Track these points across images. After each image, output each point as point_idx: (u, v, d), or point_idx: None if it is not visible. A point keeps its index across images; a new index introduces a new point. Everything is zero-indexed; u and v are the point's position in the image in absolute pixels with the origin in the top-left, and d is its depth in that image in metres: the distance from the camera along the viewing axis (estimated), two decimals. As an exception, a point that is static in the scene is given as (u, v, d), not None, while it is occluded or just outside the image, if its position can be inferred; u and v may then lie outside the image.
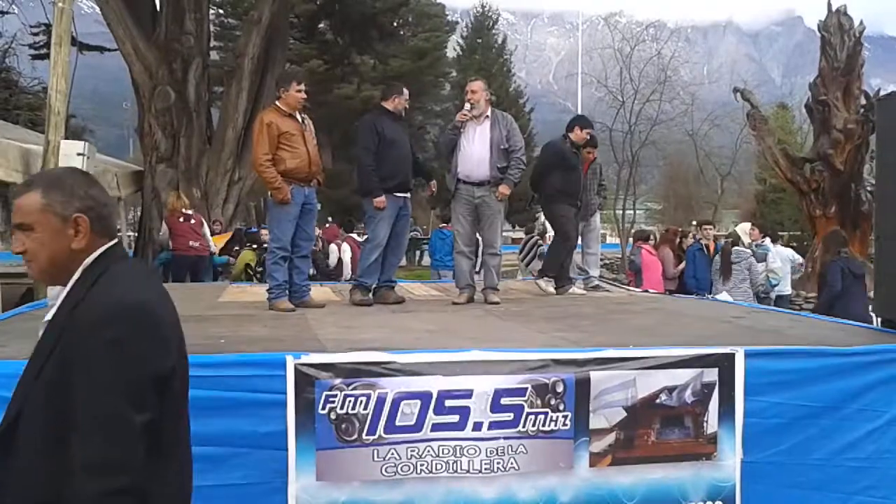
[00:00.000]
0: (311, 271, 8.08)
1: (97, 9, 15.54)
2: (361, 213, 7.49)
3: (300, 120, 6.62)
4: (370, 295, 7.01)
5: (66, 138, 8.63)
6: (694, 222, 12.15)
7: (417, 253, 27.54)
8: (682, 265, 10.94)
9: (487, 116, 7.19)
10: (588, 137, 8.29)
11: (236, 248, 12.61)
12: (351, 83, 33.09)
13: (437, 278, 12.97)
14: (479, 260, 8.34)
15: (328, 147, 32.25)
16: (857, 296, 7.99)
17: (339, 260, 12.81)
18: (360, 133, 7.05)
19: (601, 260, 10.79)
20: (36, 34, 24.39)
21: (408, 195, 7.10)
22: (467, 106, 7.11)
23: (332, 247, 13.08)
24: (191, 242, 11.34)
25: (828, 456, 4.30)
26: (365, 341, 4.54)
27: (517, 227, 50.95)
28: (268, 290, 6.59)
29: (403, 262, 24.30)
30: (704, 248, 10.80)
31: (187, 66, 15.11)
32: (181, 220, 11.58)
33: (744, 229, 11.23)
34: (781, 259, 11.28)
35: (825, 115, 16.56)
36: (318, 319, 5.75)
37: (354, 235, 13.25)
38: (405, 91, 7.13)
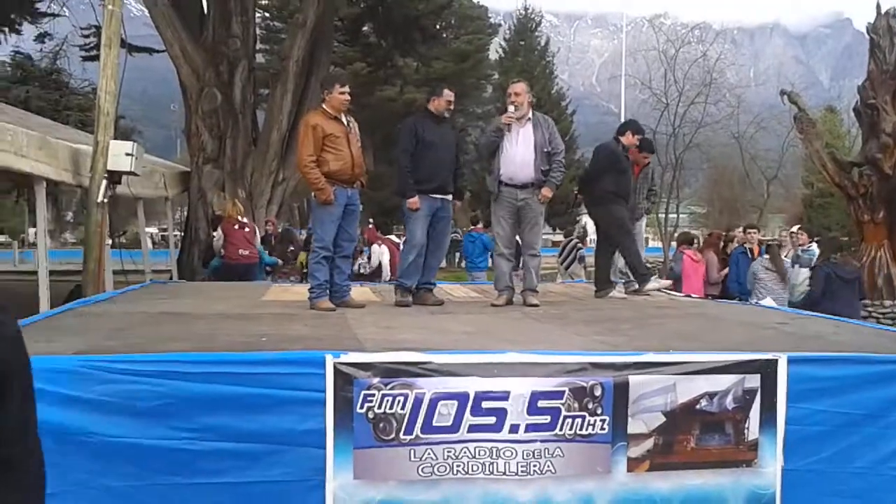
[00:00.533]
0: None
1: (146, 11, 15.83)
2: (401, 215, 7.53)
3: (345, 123, 6.67)
4: (410, 296, 7.03)
5: (115, 139, 8.83)
6: (739, 228, 11.92)
7: (457, 255, 27.57)
8: (726, 270, 10.80)
9: (529, 119, 7.17)
10: (638, 143, 8.25)
11: (291, 248, 12.74)
12: (394, 85, 33.26)
13: (471, 280, 12.99)
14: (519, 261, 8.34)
15: (370, 149, 32.49)
16: (844, 300, 8.34)
17: (379, 262, 12.90)
18: (400, 134, 7.09)
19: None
20: (86, 36, 24.89)
21: (447, 197, 7.11)
22: (511, 108, 7.09)
23: (375, 247, 13.18)
24: (241, 251, 11.49)
25: (870, 465, 4.22)
26: (403, 342, 4.57)
27: (557, 231, 50.69)
28: (309, 290, 6.65)
29: (443, 263, 24.44)
30: (748, 252, 10.65)
31: (233, 69, 15.32)
32: (236, 227, 11.72)
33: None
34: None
35: (874, 119, 16.20)
36: (357, 319, 5.79)
37: (392, 237, 13.34)
38: (445, 91, 7.11)
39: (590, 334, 5.19)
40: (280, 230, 14.44)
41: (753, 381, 4.14)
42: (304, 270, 11.72)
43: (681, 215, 35.04)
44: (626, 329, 5.50)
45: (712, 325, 5.96)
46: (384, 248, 12.88)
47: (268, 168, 15.38)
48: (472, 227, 16.09)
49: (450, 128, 7.32)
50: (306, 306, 6.55)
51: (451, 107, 7.12)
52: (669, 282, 8.00)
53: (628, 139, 8.08)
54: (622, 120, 35.16)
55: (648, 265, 8.73)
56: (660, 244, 30.99)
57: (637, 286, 8.36)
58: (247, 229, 11.80)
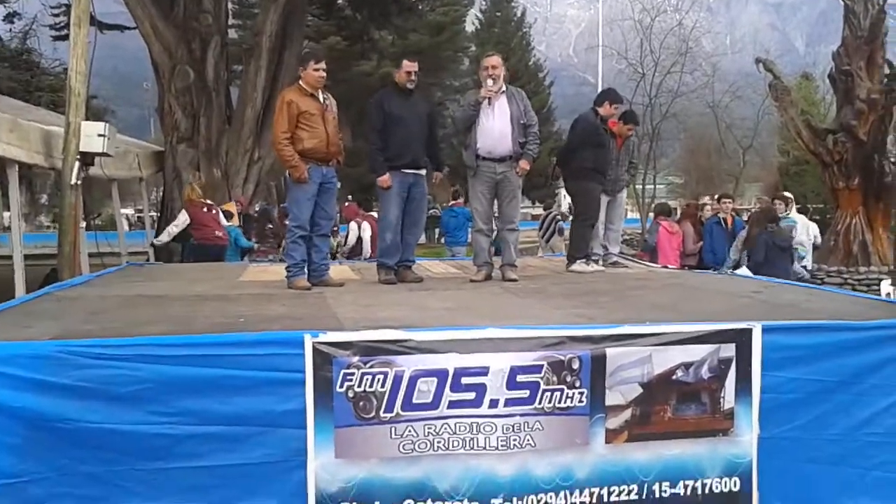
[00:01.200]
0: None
1: (116, -12, 15.60)
2: (375, 194, 7.51)
3: (322, 100, 6.63)
4: (392, 273, 7.04)
5: (87, 119, 8.70)
6: (706, 197, 11.95)
7: (437, 231, 27.57)
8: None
9: (503, 91, 7.16)
10: (616, 112, 8.23)
11: (269, 226, 12.63)
12: (370, 59, 32.97)
13: (451, 256, 12.99)
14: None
15: (347, 125, 32.28)
16: (780, 267, 8.89)
17: (359, 238, 12.84)
18: (368, 112, 7.06)
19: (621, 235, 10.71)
20: (56, 15, 24.44)
21: (420, 172, 7.09)
22: (490, 81, 7.07)
23: (352, 225, 13.10)
24: (216, 232, 11.42)
25: (845, 431, 4.29)
26: (382, 319, 4.58)
27: (536, 203, 50.75)
28: (286, 269, 6.64)
29: (423, 239, 24.38)
30: (722, 222, 10.72)
31: (206, 45, 15.12)
32: (204, 209, 11.62)
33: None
34: (807, 232, 11.19)
35: (848, 86, 16.30)
36: (336, 298, 5.79)
37: (374, 214, 13.27)
38: (404, 63, 7.03)
39: (568, 307, 5.22)
40: (258, 209, 14.33)
41: (728, 350, 4.18)
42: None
43: (658, 186, 35.21)
44: (604, 302, 5.54)
45: (689, 295, 6.02)
46: (365, 225, 12.82)
47: (243, 146, 15.25)
48: (453, 202, 16.05)
49: (420, 99, 7.27)
50: (284, 286, 6.54)
51: (413, 77, 7.01)
52: (601, 268, 7.99)
53: (606, 109, 8.07)
54: (599, 91, 35.18)
55: (624, 237, 8.80)
56: (637, 215, 31.15)
57: (613, 260, 8.43)
58: (214, 211, 11.71)
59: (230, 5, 20.47)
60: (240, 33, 29.82)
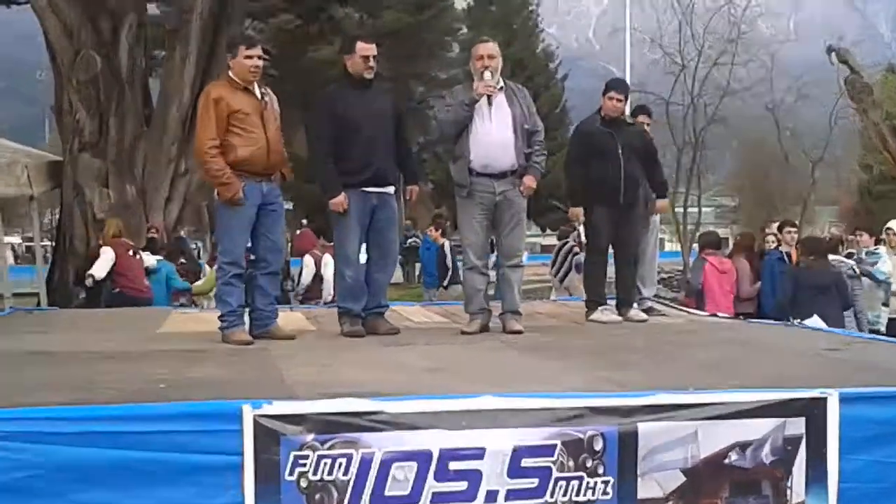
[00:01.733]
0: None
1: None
2: (326, 219, 7.54)
3: (259, 96, 6.65)
4: (360, 324, 7.01)
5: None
6: (774, 224, 11.93)
7: (417, 266, 27.52)
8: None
9: (502, 87, 7.22)
10: (619, 105, 8.22)
11: (182, 261, 12.59)
12: (331, 44, 33.14)
13: (428, 300, 12.89)
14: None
15: (301, 126, 32.24)
16: (817, 313, 9.09)
17: (318, 277, 12.79)
18: (315, 116, 7.09)
19: (658, 273, 10.74)
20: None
21: (387, 190, 7.09)
22: (487, 75, 7.12)
23: (307, 259, 13.05)
24: (142, 283, 11.39)
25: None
26: (346, 384, 4.55)
27: (547, 231, 50.88)
28: (220, 318, 6.61)
29: (399, 278, 24.33)
30: (786, 257, 10.77)
31: (118, 25, 15.21)
32: (130, 252, 11.55)
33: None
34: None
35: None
36: (286, 356, 5.76)
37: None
38: (359, 45, 6.97)
39: (589, 369, 5.23)
40: (175, 238, 14.30)
41: (797, 426, 4.18)
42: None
43: (704, 209, 35.32)
44: (635, 362, 5.55)
45: (744, 353, 6.03)
46: (326, 259, 12.75)
47: (165, 155, 15.29)
48: (429, 231, 16.00)
49: (380, 93, 7.31)
50: (218, 340, 6.51)
51: (372, 64, 6.99)
52: (618, 318, 8.02)
53: (605, 105, 8.10)
54: (614, 77, 35.32)
55: (652, 287, 8.78)
56: (678, 247, 31.26)
57: (648, 305, 8.45)
58: (138, 257, 11.62)
59: (151, -27, 20.63)
60: (163, 9, 29.96)
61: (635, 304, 8.25)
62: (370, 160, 6.92)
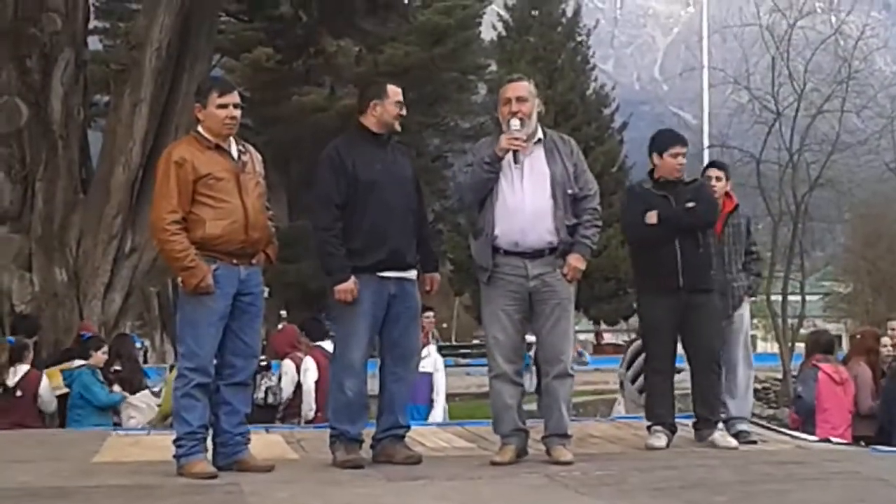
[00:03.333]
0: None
1: None
2: (327, 310, 7.51)
3: (234, 155, 6.69)
4: (359, 450, 6.95)
5: None
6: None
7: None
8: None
9: (539, 140, 7.23)
10: (678, 162, 8.23)
11: (116, 369, 12.38)
12: (321, 85, 33.64)
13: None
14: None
15: (282, 192, 32.52)
16: None
17: (299, 386, 12.70)
18: (318, 173, 7.12)
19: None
20: None
21: (408, 275, 7.10)
22: (514, 123, 7.11)
23: (287, 364, 12.97)
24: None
25: None
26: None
27: (602, 326, 50.68)
28: (175, 442, 6.57)
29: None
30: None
31: (50, 65, 15.39)
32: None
33: None
34: None
35: None
36: (261, 494, 5.72)
37: (326, 345, 13.12)
38: (390, 89, 7.09)
39: (660, 515, 5.15)
40: (117, 337, 14.22)
41: None
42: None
43: (808, 298, 35.18)
44: (721, 504, 5.47)
45: (867, 494, 5.94)
46: (309, 363, 12.69)
47: (106, 231, 15.35)
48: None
49: (400, 152, 7.37)
50: (171, 471, 6.46)
51: (403, 112, 7.11)
52: (734, 443, 7.98)
53: (660, 165, 8.15)
54: (704, 136, 35.07)
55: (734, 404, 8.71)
56: (774, 348, 31.07)
57: (739, 429, 8.38)
58: (18, 394, 11.36)
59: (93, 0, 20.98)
60: (107, 44, 30.48)
61: (720, 426, 8.18)
62: (387, 236, 6.93)
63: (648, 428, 8.08)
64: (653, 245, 7.98)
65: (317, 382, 11.99)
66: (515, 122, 7.07)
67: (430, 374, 10.96)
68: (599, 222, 7.27)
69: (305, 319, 15.62)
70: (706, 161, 29.84)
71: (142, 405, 12.09)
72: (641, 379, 10.66)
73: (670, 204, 7.98)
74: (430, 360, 11.04)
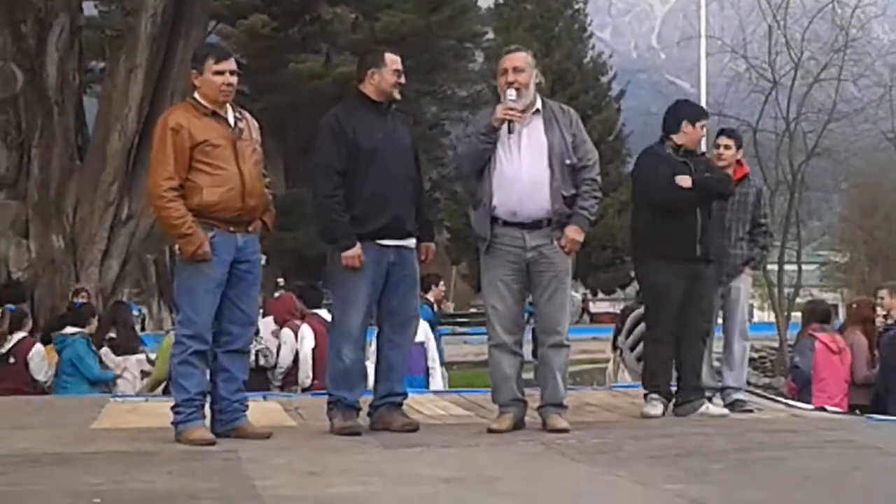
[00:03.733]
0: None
1: None
2: (326, 277, 7.51)
3: (231, 122, 6.69)
4: (356, 417, 6.98)
5: None
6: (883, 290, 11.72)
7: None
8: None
9: (538, 111, 7.22)
10: (702, 133, 8.31)
11: (111, 336, 12.39)
12: (317, 52, 33.54)
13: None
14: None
15: (279, 159, 32.48)
16: None
17: (298, 354, 12.72)
18: (318, 141, 7.10)
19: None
20: None
21: (408, 243, 7.11)
22: (511, 94, 7.10)
23: (285, 332, 12.99)
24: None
25: None
26: (338, 499, 4.51)
27: (599, 295, 50.72)
28: (173, 409, 6.59)
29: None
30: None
31: (45, 29, 15.36)
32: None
33: None
34: None
35: None
36: (259, 461, 5.73)
37: (322, 312, 13.13)
38: (388, 58, 7.09)
39: (657, 482, 5.18)
40: (113, 304, 14.24)
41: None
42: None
43: (806, 267, 35.19)
44: (717, 472, 5.49)
45: (864, 462, 5.96)
46: (306, 331, 12.70)
47: (103, 197, 15.37)
48: (429, 295, 15.87)
49: (399, 121, 7.37)
50: (169, 438, 6.49)
51: (401, 81, 7.11)
52: (725, 411, 8.03)
53: (686, 134, 8.14)
54: (702, 104, 35.20)
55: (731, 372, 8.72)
56: (770, 317, 31.09)
57: (735, 398, 8.41)
58: (11, 361, 11.38)
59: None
60: (103, 10, 30.34)
61: (713, 396, 8.22)
62: (387, 203, 6.93)
63: (645, 396, 8.11)
64: (680, 209, 7.96)
65: (314, 350, 12.01)
66: (511, 93, 7.06)
67: (422, 343, 10.97)
68: (599, 193, 7.26)
69: (302, 286, 15.63)
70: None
71: (129, 377, 12.12)
72: (640, 347, 10.71)
73: (690, 172, 8.01)
74: (421, 329, 11.06)
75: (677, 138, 8.15)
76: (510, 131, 7.04)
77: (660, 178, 8.07)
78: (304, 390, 11.46)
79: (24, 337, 11.25)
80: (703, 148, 8.95)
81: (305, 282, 19.61)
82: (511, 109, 7.01)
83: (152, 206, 6.77)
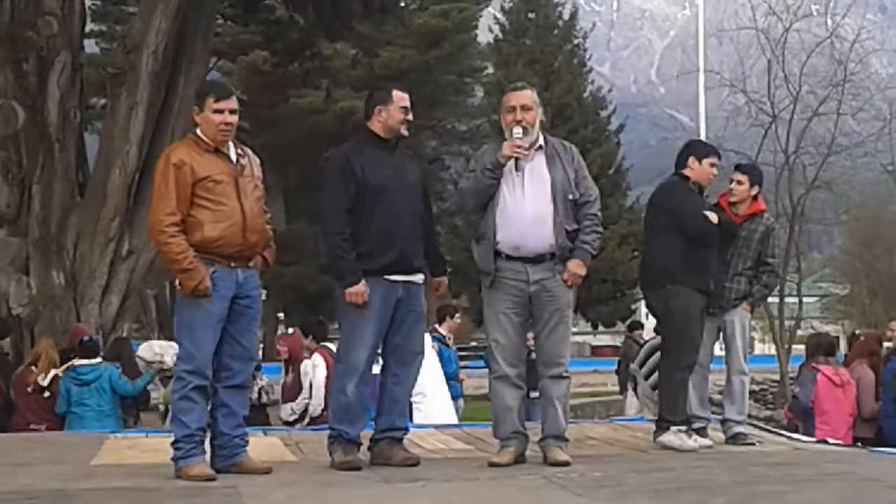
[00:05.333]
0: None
1: None
2: (333, 312, 7.52)
3: (233, 158, 6.71)
4: (357, 452, 6.97)
5: None
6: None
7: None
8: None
9: (541, 147, 7.26)
10: (713, 170, 8.39)
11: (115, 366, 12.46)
12: (318, 88, 33.61)
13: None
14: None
15: (279, 195, 32.49)
16: None
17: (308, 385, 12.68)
18: (326, 178, 7.13)
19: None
20: None
21: (415, 279, 7.13)
22: (517, 131, 7.14)
23: (307, 364, 12.95)
24: (32, 425, 11.36)
25: None
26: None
27: (600, 328, 50.71)
28: (173, 445, 6.58)
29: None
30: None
31: (46, 67, 15.37)
32: (30, 389, 11.54)
33: None
34: None
35: None
36: (259, 496, 5.74)
37: (331, 346, 13.14)
38: (395, 95, 7.13)
39: (657, 515, 5.16)
40: (115, 341, 14.20)
41: None
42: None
43: (806, 299, 35.15)
44: (718, 506, 5.48)
45: (864, 495, 5.96)
46: (318, 360, 12.68)
47: (103, 234, 15.32)
48: (435, 327, 15.89)
49: (408, 158, 7.39)
50: (169, 473, 6.47)
51: (409, 118, 7.15)
52: (708, 442, 8.04)
53: (697, 170, 8.28)
54: (701, 138, 35.15)
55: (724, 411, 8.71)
56: (772, 350, 31.03)
57: (736, 431, 8.39)
58: (46, 395, 11.56)
59: (89, 1, 20.96)
60: (104, 47, 30.42)
61: (705, 427, 8.25)
62: (394, 240, 6.95)
63: (667, 427, 8.05)
64: (709, 244, 8.10)
65: (327, 378, 12.02)
66: (518, 130, 7.12)
67: None
68: (600, 228, 7.33)
69: (308, 322, 15.59)
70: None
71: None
72: (655, 376, 10.73)
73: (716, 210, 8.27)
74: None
75: (689, 172, 8.27)
76: (516, 168, 7.12)
77: (696, 208, 8.20)
78: (313, 419, 11.46)
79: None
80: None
81: (307, 317, 19.59)
82: (518, 147, 7.06)
83: (154, 241, 6.78)
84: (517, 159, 7.09)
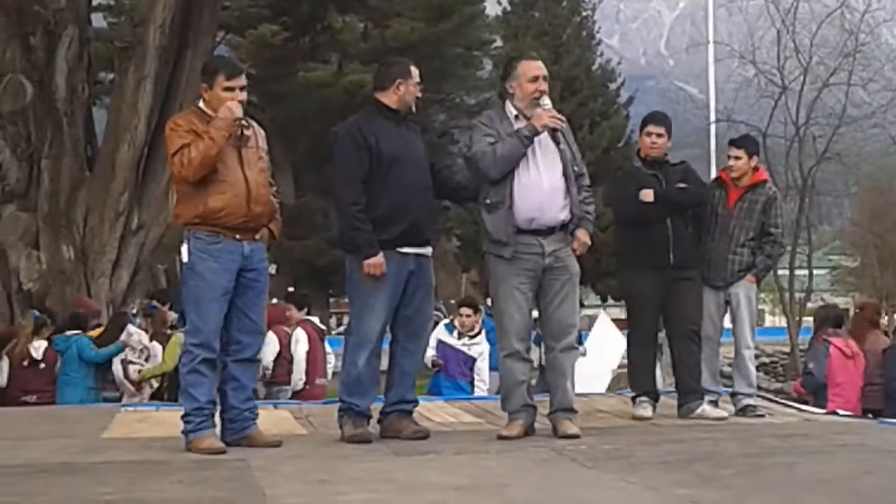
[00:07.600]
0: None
1: None
2: (345, 284, 7.47)
3: (237, 131, 6.66)
4: (367, 425, 6.96)
5: None
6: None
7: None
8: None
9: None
10: (656, 140, 8.28)
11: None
12: (327, 61, 33.46)
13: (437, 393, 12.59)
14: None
15: (287, 169, 32.43)
16: None
17: (281, 358, 12.60)
18: (337, 150, 7.10)
19: (757, 357, 10.55)
20: None
21: (426, 251, 7.12)
22: (547, 101, 7.15)
23: (270, 336, 12.86)
24: (23, 398, 11.41)
25: None
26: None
27: (609, 301, 50.72)
28: (183, 418, 6.56)
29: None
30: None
31: (54, 42, 15.34)
32: (26, 363, 11.61)
33: None
34: None
35: None
36: (269, 469, 5.72)
37: (315, 319, 13.13)
38: (412, 70, 7.14)
39: (668, 487, 5.16)
40: (116, 315, 14.18)
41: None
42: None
43: (816, 272, 35.08)
44: (728, 477, 5.47)
45: (874, 466, 5.91)
46: (300, 334, 12.65)
47: (112, 208, 15.32)
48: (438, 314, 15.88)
49: (413, 131, 7.37)
50: (180, 447, 6.46)
51: (420, 93, 7.15)
52: (723, 413, 8.03)
53: (643, 142, 8.30)
54: (711, 111, 34.87)
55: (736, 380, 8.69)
56: (781, 322, 30.97)
57: (745, 403, 8.37)
58: (42, 366, 11.61)
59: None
60: (112, 21, 30.32)
61: (717, 400, 8.26)
62: (407, 210, 6.92)
63: (633, 399, 8.22)
64: (643, 223, 8.09)
65: (307, 353, 12.03)
66: (547, 101, 7.14)
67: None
68: (592, 199, 7.38)
69: (291, 293, 15.63)
70: (713, 135, 29.95)
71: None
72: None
73: (660, 183, 8.11)
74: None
75: (641, 150, 8.35)
76: (553, 135, 7.17)
77: (623, 192, 8.36)
78: (295, 393, 11.48)
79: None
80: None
81: (309, 291, 19.64)
82: (557, 118, 7.09)
83: (177, 171, 6.60)
84: (555, 128, 7.12)
